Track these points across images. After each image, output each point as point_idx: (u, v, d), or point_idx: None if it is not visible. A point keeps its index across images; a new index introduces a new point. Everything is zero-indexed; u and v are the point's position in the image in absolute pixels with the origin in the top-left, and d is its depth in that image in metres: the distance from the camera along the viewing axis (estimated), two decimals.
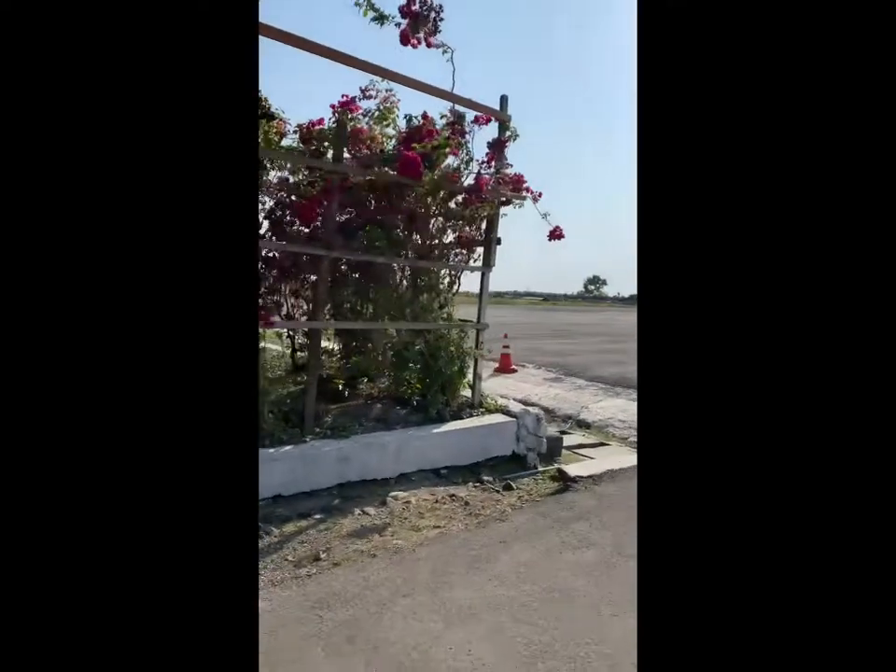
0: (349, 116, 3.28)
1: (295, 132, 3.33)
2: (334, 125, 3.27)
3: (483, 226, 3.75)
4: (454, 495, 2.89)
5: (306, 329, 3.75)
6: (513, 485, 3.07)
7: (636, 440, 4.15)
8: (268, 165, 3.24)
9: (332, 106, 3.32)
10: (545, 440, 3.59)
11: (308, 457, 2.82)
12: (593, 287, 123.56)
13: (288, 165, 3.36)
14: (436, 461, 3.24)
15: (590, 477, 3.15)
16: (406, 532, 2.45)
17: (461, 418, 3.54)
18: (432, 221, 3.75)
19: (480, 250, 3.80)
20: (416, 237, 3.72)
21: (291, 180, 3.41)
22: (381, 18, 2.75)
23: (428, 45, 2.86)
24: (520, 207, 3.47)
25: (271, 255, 3.48)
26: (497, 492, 2.99)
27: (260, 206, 3.39)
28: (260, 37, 2.26)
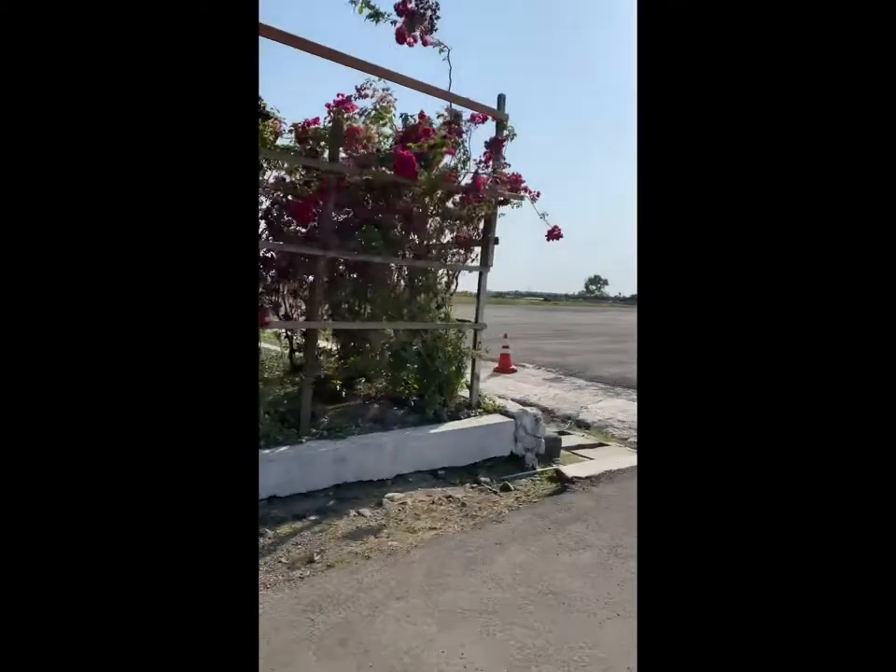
0: (345, 115, 3.26)
1: (290, 131, 3.31)
2: (330, 124, 3.26)
3: (481, 226, 3.74)
4: (450, 496, 2.88)
5: (304, 330, 3.74)
6: (511, 486, 3.05)
7: (635, 440, 4.13)
8: (264, 165, 3.22)
9: (328, 105, 3.30)
10: (543, 440, 3.57)
11: (304, 458, 2.81)
12: (594, 287, 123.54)
13: (285, 165, 3.35)
14: (433, 462, 3.23)
15: (588, 478, 3.13)
16: (401, 534, 2.44)
17: (459, 419, 3.52)
18: (429, 221, 3.73)
19: (478, 250, 3.79)
20: (414, 237, 3.70)
21: (287, 180, 3.40)
22: (376, 15, 2.73)
23: (424, 43, 2.84)
24: (518, 207, 3.45)
25: (268, 255, 3.47)
26: (495, 493, 2.97)
27: None
28: (260, 38, 2.24)
